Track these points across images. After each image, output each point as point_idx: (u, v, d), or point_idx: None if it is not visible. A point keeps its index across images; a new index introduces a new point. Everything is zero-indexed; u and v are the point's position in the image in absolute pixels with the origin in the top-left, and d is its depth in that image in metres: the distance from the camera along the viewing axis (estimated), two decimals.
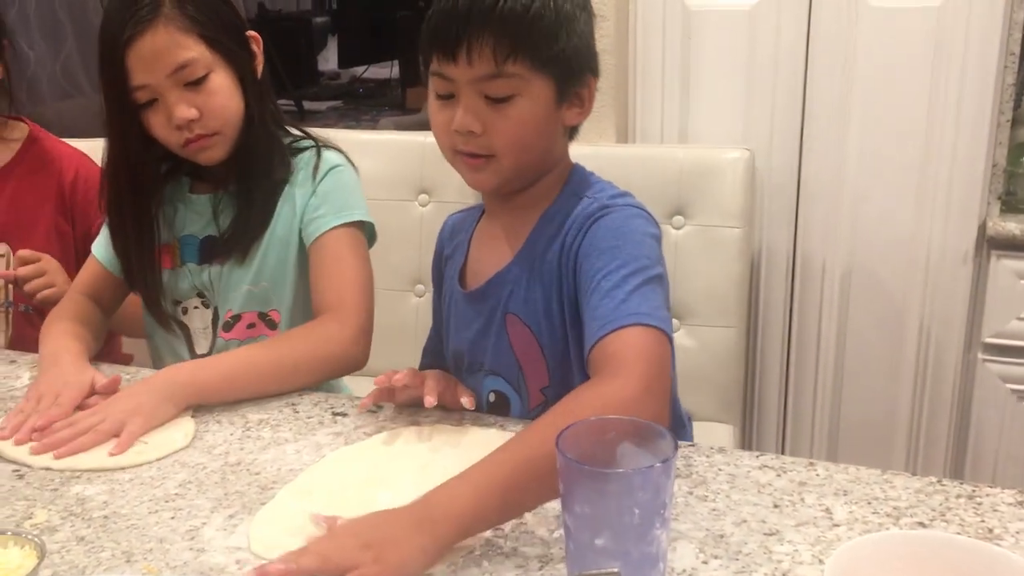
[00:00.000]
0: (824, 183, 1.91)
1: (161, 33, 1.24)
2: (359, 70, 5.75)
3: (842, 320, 1.97)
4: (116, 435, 1.08)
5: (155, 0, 1.24)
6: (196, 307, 1.41)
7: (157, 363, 1.46)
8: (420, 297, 1.94)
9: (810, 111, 1.89)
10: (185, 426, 1.13)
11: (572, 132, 1.14)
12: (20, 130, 1.72)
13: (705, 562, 0.83)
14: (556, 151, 1.13)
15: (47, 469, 1.04)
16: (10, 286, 1.61)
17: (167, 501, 0.97)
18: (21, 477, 1.03)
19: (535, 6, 1.01)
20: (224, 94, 1.30)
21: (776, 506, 0.91)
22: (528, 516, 0.90)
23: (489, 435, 1.07)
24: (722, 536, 0.86)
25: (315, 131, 1.46)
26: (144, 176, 1.35)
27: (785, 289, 1.99)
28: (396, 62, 5.23)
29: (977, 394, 1.91)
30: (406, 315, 1.93)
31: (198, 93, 1.28)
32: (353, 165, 1.42)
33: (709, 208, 1.77)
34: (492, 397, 1.18)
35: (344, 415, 1.15)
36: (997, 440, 1.91)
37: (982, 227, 1.83)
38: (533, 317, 1.11)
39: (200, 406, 1.17)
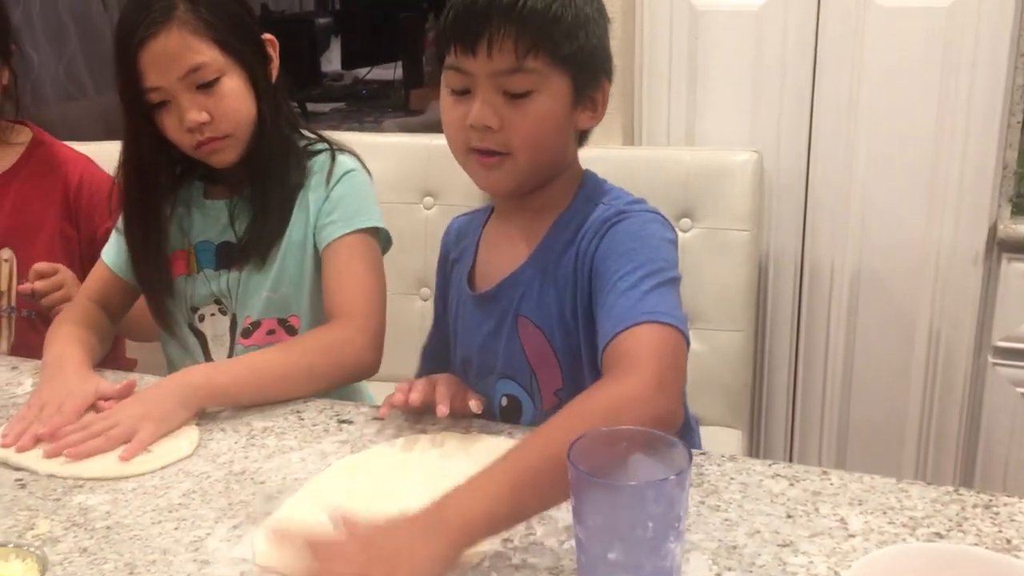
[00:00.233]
0: (832, 185, 1.90)
1: (174, 36, 1.24)
2: (362, 72, 5.74)
3: (851, 323, 1.95)
4: (127, 440, 1.07)
5: (168, 3, 1.25)
6: (213, 314, 1.40)
7: (171, 371, 1.45)
8: (425, 301, 1.93)
9: (818, 112, 1.87)
10: (190, 434, 1.11)
11: (582, 138, 1.14)
12: (24, 134, 1.71)
13: (719, 574, 0.81)
14: (568, 154, 1.13)
15: (51, 476, 1.03)
16: (13, 291, 1.60)
17: (170, 511, 0.95)
18: (24, 487, 1.02)
19: (556, 4, 1.02)
20: (236, 98, 1.30)
21: (790, 516, 0.90)
22: (538, 527, 0.89)
23: (498, 443, 1.06)
24: (735, 547, 0.85)
25: (327, 134, 1.45)
26: (158, 177, 1.35)
27: (793, 292, 1.98)
28: (399, 63, 5.22)
29: (987, 398, 1.90)
30: (411, 318, 1.92)
31: (210, 96, 1.27)
32: (367, 169, 1.41)
33: (717, 211, 1.75)
34: (504, 402, 1.17)
35: (350, 423, 1.14)
36: (1008, 445, 1.89)
37: (992, 229, 1.82)
38: (546, 320, 1.10)
39: (204, 413, 1.16)
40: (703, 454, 1.02)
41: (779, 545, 0.85)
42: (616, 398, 0.87)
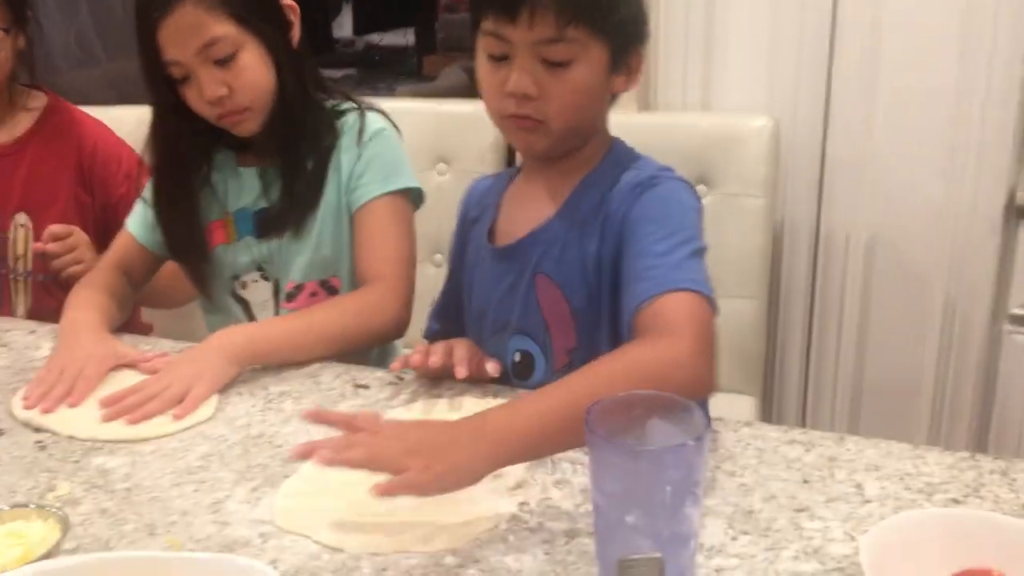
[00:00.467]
0: (849, 152, 1.87)
1: (189, 11, 1.25)
2: (375, 37, 5.70)
3: (866, 291, 1.94)
4: (182, 400, 1.09)
5: None
6: (255, 280, 1.42)
7: None
8: (438, 267, 1.92)
9: (836, 78, 1.85)
10: (209, 398, 1.12)
11: (612, 100, 1.14)
12: (40, 99, 1.70)
13: (734, 538, 0.82)
14: (601, 118, 1.14)
15: (71, 438, 1.04)
16: (29, 256, 1.60)
17: (190, 473, 0.96)
18: (43, 448, 1.03)
19: None
20: (254, 70, 1.30)
21: (806, 481, 0.90)
22: (554, 490, 0.89)
23: None
24: (751, 512, 0.85)
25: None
26: (185, 148, 1.37)
27: (808, 259, 1.96)
28: (412, 29, 5.18)
29: (1003, 366, 1.89)
30: (424, 284, 1.90)
31: (228, 70, 1.28)
32: (396, 127, 1.42)
33: (732, 177, 1.74)
34: (517, 357, 1.17)
35: (366, 387, 1.14)
36: (1022, 412, 1.89)
37: (1011, 195, 1.80)
38: (566, 278, 1.11)
39: None
40: (719, 420, 1.02)
41: (795, 510, 0.85)
42: (659, 356, 0.88)
